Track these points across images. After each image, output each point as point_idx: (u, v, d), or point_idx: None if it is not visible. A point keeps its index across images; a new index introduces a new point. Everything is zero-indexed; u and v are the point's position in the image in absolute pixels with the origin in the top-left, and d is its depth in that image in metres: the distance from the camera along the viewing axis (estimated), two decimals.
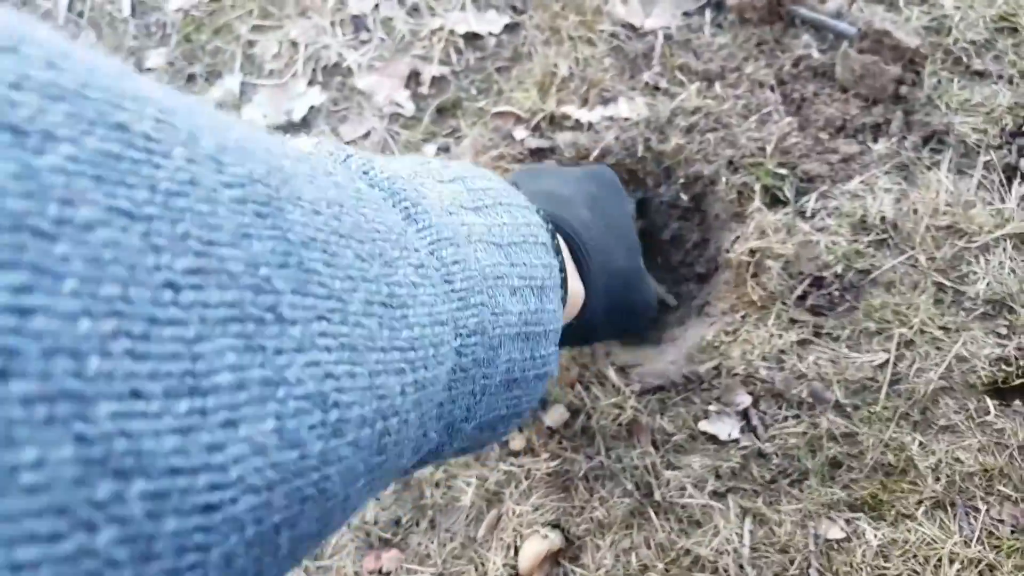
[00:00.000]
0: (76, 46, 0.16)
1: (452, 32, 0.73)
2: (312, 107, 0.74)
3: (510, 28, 0.73)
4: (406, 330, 0.23)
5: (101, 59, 0.17)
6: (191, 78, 0.78)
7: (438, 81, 0.73)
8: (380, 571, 0.65)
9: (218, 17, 0.79)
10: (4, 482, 0.12)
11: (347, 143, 0.72)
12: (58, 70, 0.15)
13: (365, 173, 0.28)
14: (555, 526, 0.63)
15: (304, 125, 0.74)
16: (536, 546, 0.63)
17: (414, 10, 0.75)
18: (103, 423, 0.13)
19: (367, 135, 0.72)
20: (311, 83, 0.75)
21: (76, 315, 0.13)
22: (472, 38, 0.73)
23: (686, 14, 0.71)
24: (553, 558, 0.63)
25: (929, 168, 0.62)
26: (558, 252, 0.37)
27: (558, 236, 0.39)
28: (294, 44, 0.76)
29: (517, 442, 0.65)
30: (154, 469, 0.14)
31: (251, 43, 0.78)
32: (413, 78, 0.73)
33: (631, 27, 0.71)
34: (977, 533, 0.55)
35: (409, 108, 0.72)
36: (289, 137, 0.30)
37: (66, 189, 0.14)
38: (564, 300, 0.37)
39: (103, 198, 0.14)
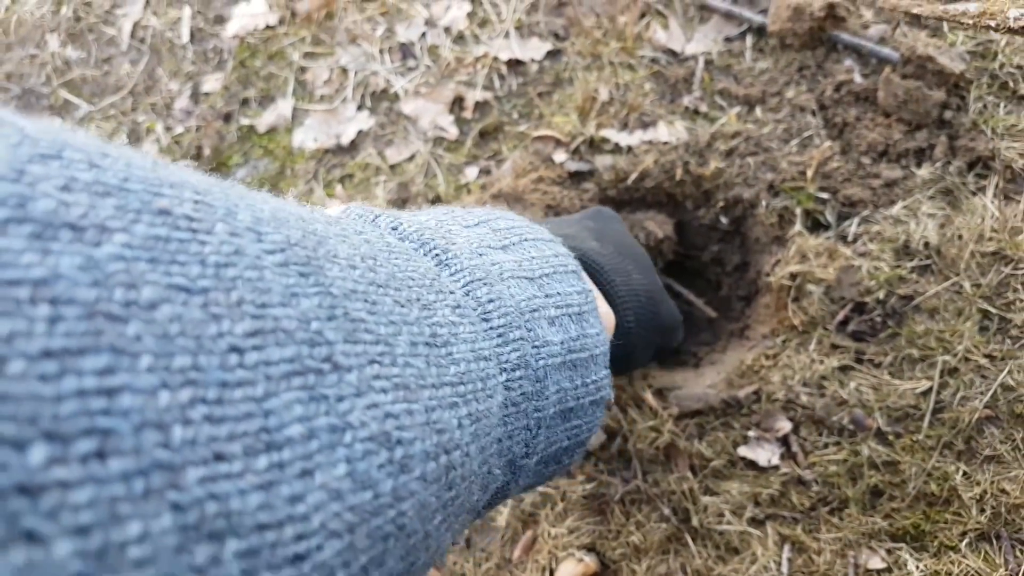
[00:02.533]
0: (111, 145, 0.19)
1: (496, 59, 0.79)
2: (360, 131, 0.80)
3: (552, 55, 0.79)
4: (452, 366, 0.25)
5: (135, 154, 0.19)
6: (245, 102, 0.86)
7: (481, 106, 0.79)
8: None
9: (272, 44, 0.87)
10: (116, 559, 0.13)
11: (392, 166, 0.78)
12: (100, 169, 0.17)
13: (394, 228, 0.31)
14: (591, 549, 0.67)
15: (352, 149, 0.80)
16: (571, 569, 0.66)
17: (459, 38, 0.82)
18: (193, 489, 0.14)
19: (412, 158, 0.79)
20: (360, 108, 0.82)
21: (156, 389, 0.14)
22: (515, 64, 0.79)
23: (727, 39, 0.76)
24: None
25: (974, 193, 0.65)
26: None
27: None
28: (344, 71, 0.83)
29: None
30: (243, 527, 0.15)
31: (303, 69, 0.85)
32: (457, 103, 0.79)
33: (672, 52, 0.76)
34: None
35: (453, 132, 0.78)
36: (318, 207, 0.33)
37: (127, 274, 0.15)
38: None
39: (161, 277, 0.16)
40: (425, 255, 0.31)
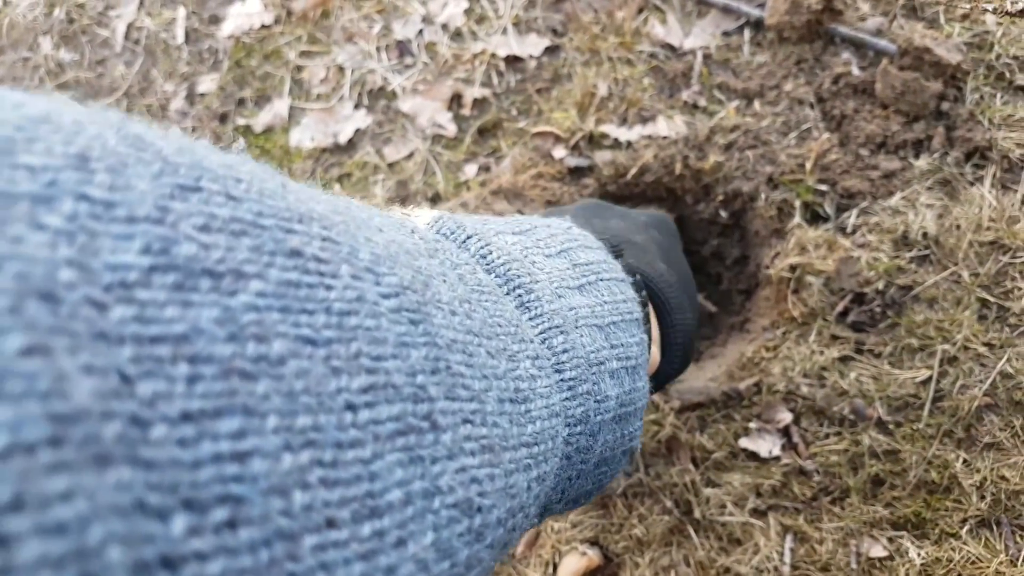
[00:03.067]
0: (241, 162, 0.19)
1: (494, 55, 0.81)
2: (358, 129, 0.82)
3: (550, 50, 0.81)
4: (530, 424, 0.25)
5: (264, 174, 0.19)
6: (241, 102, 0.87)
7: (479, 103, 0.81)
8: None
9: (268, 43, 0.88)
10: None
11: (391, 164, 0.80)
12: (236, 202, 0.17)
13: (483, 257, 0.31)
14: (594, 543, 0.68)
15: (350, 147, 0.82)
16: (575, 563, 0.68)
17: (457, 35, 0.84)
18: (307, 559, 0.14)
19: (410, 156, 0.80)
20: (357, 106, 0.83)
21: (279, 452, 0.14)
22: (513, 61, 0.81)
23: (725, 34, 0.77)
24: (592, 575, 0.68)
25: (972, 184, 0.67)
26: (647, 322, 0.39)
27: (644, 293, 0.42)
28: (341, 69, 0.85)
29: None
30: None
31: (299, 68, 0.87)
32: (455, 100, 0.81)
33: (670, 47, 0.78)
34: (1023, 552, 0.58)
35: (451, 129, 0.80)
36: (412, 211, 0.33)
37: (259, 326, 0.15)
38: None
39: (291, 329, 0.16)
40: (508, 294, 0.31)
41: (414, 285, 0.21)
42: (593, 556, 0.68)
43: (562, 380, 0.30)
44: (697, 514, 0.65)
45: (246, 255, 0.16)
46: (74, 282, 0.13)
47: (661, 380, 0.46)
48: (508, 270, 0.31)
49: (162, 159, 0.16)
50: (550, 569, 0.68)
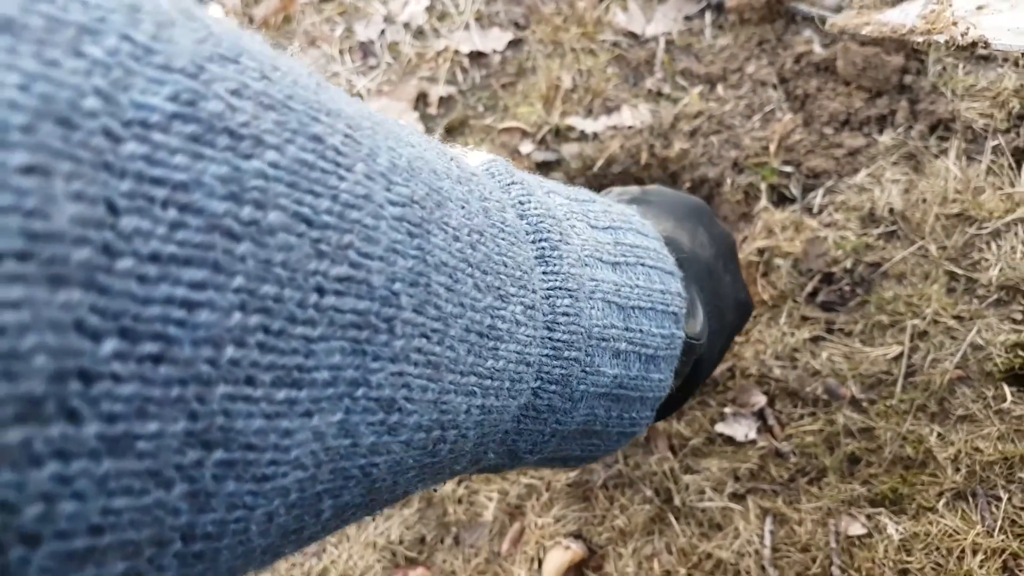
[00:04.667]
0: (283, 58, 0.21)
1: (457, 52, 0.85)
2: None
3: (513, 44, 0.84)
4: (491, 360, 0.27)
5: (303, 72, 0.21)
6: None
7: (445, 101, 0.84)
8: None
9: None
10: (125, 448, 0.14)
11: None
12: (270, 81, 0.18)
13: (521, 203, 0.32)
14: (577, 536, 0.72)
15: None
16: (559, 557, 0.71)
17: (419, 33, 0.87)
18: (213, 403, 0.16)
19: None
20: None
21: (232, 309, 0.16)
22: (477, 57, 0.85)
23: (687, 18, 0.81)
24: (577, 568, 0.71)
25: (937, 156, 0.70)
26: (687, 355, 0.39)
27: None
28: None
29: None
30: (234, 443, 0.17)
31: None
32: (421, 99, 0.85)
33: (632, 35, 0.81)
34: (999, 522, 0.61)
35: (419, 129, 0.84)
36: (467, 151, 0.34)
37: (262, 193, 0.17)
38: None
39: (292, 204, 0.17)
40: (533, 243, 0.32)
41: (424, 202, 0.23)
42: (577, 549, 0.71)
43: (549, 338, 0.31)
44: (677, 501, 0.69)
45: (270, 126, 0.18)
46: (96, 111, 0.14)
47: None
48: (541, 222, 0.32)
49: (207, 28, 0.18)
50: (535, 564, 0.71)
